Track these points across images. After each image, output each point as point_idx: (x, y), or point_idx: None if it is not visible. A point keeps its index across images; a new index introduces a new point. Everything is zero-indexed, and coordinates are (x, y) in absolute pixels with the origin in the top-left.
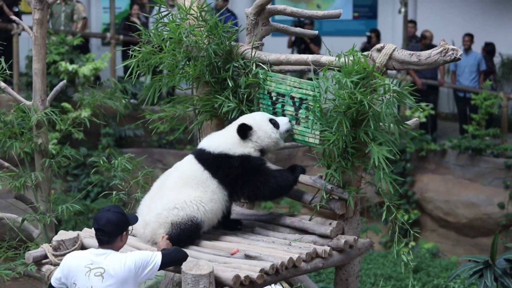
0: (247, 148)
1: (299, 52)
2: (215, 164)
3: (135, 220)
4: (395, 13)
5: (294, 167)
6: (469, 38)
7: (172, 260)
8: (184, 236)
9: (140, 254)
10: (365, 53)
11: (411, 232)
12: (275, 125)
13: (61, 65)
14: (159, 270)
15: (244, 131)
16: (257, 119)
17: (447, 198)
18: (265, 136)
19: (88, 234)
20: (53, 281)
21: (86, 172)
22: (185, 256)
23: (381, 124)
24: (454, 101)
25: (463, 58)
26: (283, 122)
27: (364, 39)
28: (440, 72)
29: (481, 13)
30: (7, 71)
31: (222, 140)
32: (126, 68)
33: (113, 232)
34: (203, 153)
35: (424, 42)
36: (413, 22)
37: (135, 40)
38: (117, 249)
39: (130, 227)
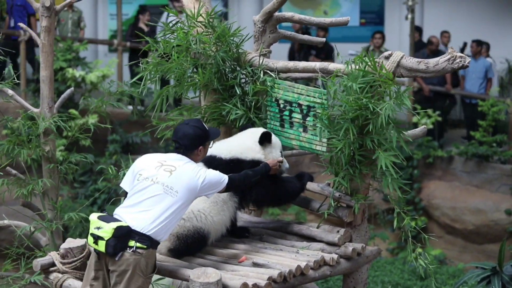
0: (258, 154)
1: (306, 57)
2: (227, 169)
3: (216, 134)
4: (402, 19)
5: (302, 174)
6: (476, 45)
7: (237, 186)
8: (190, 248)
9: (214, 175)
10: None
11: (425, 236)
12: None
13: (68, 72)
14: (221, 192)
15: (267, 139)
16: (277, 140)
17: (454, 205)
18: (275, 156)
19: None
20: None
21: (93, 178)
22: (250, 179)
23: (385, 130)
24: (460, 107)
25: (472, 64)
26: (285, 163)
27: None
28: (447, 79)
29: (488, 19)
30: (16, 80)
31: (234, 146)
32: (133, 75)
33: (188, 145)
34: (213, 159)
35: (431, 48)
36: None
37: (142, 47)
38: (194, 161)
39: (211, 142)
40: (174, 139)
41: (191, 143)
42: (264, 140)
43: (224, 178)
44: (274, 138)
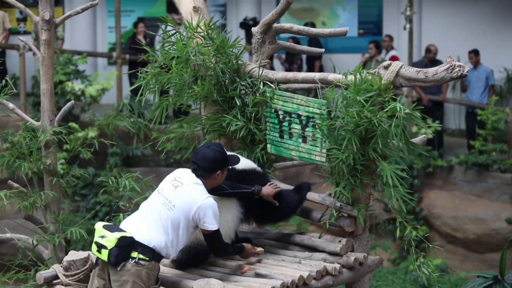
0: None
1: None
2: (238, 179)
3: (236, 161)
4: (400, 29)
5: (300, 186)
6: (474, 55)
7: (216, 243)
8: (193, 260)
9: (214, 212)
10: (372, 70)
11: (429, 245)
12: None
13: (68, 85)
14: (204, 234)
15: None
16: None
17: (455, 214)
18: None
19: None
20: None
21: (94, 192)
22: (225, 251)
23: (389, 141)
24: (459, 117)
25: (472, 74)
26: None
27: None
28: (443, 88)
29: (485, 29)
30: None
31: (245, 161)
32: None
33: (206, 168)
34: None
35: (429, 56)
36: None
37: (141, 59)
38: (209, 186)
39: (229, 167)
40: (193, 160)
41: (210, 166)
42: (262, 166)
43: (216, 225)
44: None
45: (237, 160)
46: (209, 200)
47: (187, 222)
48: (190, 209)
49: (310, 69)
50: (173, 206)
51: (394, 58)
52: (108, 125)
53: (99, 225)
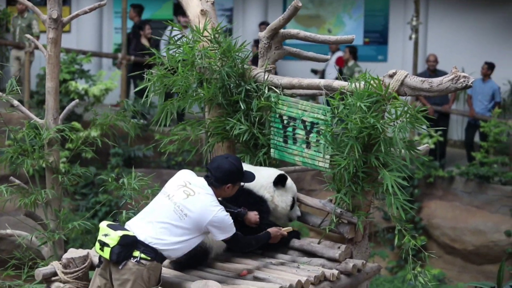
0: (267, 194)
1: None
2: (234, 195)
3: (250, 178)
4: (406, 39)
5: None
6: (487, 67)
7: (238, 245)
8: (191, 261)
9: (228, 220)
10: (381, 77)
11: (426, 254)
12: (292, 206)
13: (71, 84)
14: (224, 241)
15: (281, 182)
16: (292, 186)
17: (454, 225)
18: (283, 202)
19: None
20: None
21: (94, 191)
22: (251, 247)
23: (391, 149)
24: (462, 128)
25: (479, 85)
26: (297, 210)
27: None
28: (450, 99)
29: (491, 40)
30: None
31: (273, 171)
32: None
33: (218, 178)
34: None
35: (428, 65)
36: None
37: (146, 60)
38: (217, 195)
39: (241, 184)
40: (207, 167)
41: (222, 177)
42: (278, 182)
43: (234, 230)
44: (289, 183)
45: (252, 178)
46: (221, 213)
47: (198, 231)
48: (202, 220)
49: None
50: (184, 215)
51: (340, 60)
52: (107, 125)
53: (103, 224)
